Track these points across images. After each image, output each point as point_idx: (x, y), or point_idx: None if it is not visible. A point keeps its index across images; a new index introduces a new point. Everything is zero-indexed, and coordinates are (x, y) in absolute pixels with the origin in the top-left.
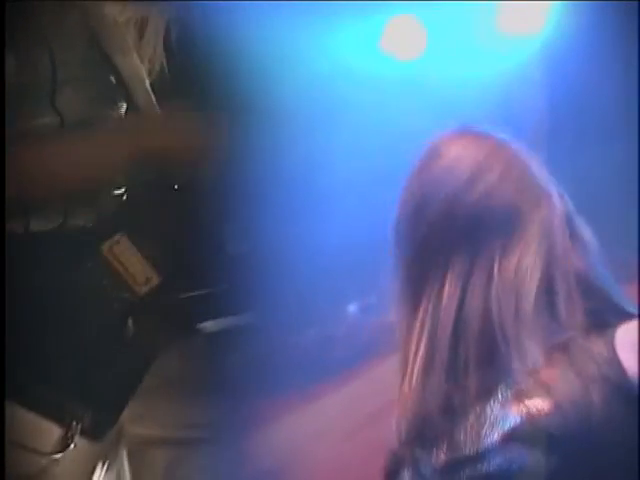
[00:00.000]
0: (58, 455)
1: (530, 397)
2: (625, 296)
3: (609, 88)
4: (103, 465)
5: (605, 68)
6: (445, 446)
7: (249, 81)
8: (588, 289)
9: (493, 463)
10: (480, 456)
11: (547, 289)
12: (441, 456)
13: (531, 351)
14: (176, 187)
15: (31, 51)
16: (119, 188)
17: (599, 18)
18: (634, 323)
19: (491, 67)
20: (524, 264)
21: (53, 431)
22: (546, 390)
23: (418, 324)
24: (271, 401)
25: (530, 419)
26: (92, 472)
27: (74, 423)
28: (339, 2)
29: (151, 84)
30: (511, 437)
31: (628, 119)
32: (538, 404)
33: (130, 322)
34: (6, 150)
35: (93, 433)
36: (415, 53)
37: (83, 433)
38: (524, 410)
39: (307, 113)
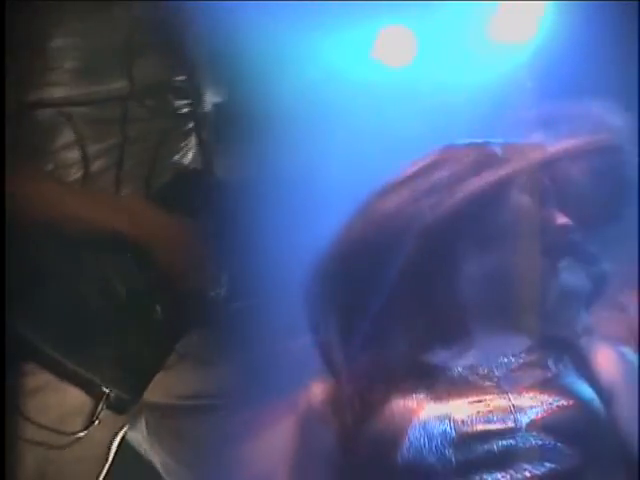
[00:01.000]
0: (82, 434)
1: (536, 392)
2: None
3: (602, 95)
4: (123, 430)
5: (598, 75)
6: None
7: (242, 88)
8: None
9: (500, 444)
10: (490, 435)
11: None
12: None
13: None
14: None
15: (110, 14)
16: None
17: (592, 25)
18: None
19: (482, 74)
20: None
21: (77, 409)
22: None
23: None
24: (265, 405)
25: (538, 410)
26: (113, 438)
27: (101, 403)
28: (332, 11)
29: None
30: (521, 423)
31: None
32: (546, 398)
33: (158, 308)
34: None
35: (119, 408)
36: (406, 61)
37: (110, 408)
38: (535, 402)
39: (300, 119)
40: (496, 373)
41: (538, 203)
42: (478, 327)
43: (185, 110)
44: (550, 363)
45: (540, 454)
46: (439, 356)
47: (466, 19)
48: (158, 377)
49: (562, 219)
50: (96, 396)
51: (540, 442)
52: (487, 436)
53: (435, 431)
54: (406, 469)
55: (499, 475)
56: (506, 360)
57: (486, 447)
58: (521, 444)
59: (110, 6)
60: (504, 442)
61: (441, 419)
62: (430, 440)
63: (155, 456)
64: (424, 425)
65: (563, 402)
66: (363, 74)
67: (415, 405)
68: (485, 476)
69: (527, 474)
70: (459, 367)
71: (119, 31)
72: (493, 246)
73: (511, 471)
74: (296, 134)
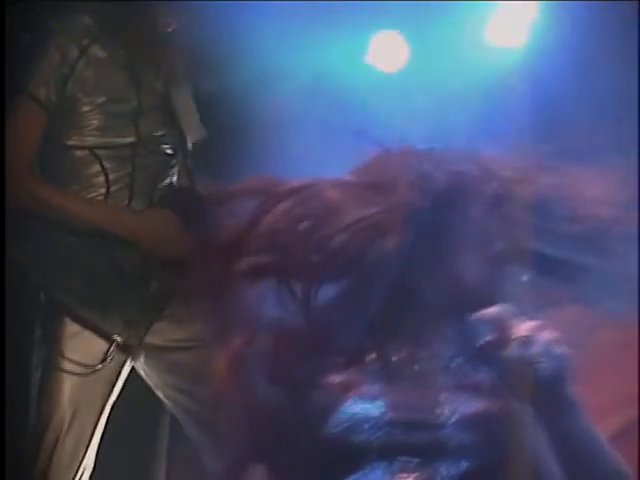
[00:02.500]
0: (99, 366)
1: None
2: None
3: (598, 99)
4: (127, 363)
5: (594, 79)
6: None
7: (237, 93)
8: None
9: (425, 435)
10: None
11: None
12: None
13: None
14: None
15: (122, 86)
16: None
17: (588, 28)
18: None
19: (476, 79)
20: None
21: (98, 349)
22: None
23: None
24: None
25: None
26: (120, 370)
27: (113, 345)
28: (325, 17)
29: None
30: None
31: (619, 131)
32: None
33: (154, 283)
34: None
35: (125, 349)
36: (399, 66)
37: (118, 349)
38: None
39: (295, 125)
40: (431, 370)
41: (488, 211)
42: (422, 325)
43: (171, 150)
44: (480, 368)
45: (462, 451)
46: (381, 345)
47: (459, 24)
48: (156, 327)
49: (512, 228)
50: (109, 341)
51: (463, 440)
52: (414, 426)
53: (365, 413)
54: (331, 444)
55: (420, 464)
56: (441, 359)
57: (411, 436)
58: (445, 439)
59: (123, 80)
60: (429, 434)
61: (372, 402)
62: (359, 421)
63: (154, 385)
64: (355, 405)
65: (488, 404)
66: (357, 80)
67: (349, 385)
68: (406, 463)
69: (447, 468)
70: (398, 358)
71: (129, 100)
72: (443, 251)
73: (432, 462)
74: (291, 140)
